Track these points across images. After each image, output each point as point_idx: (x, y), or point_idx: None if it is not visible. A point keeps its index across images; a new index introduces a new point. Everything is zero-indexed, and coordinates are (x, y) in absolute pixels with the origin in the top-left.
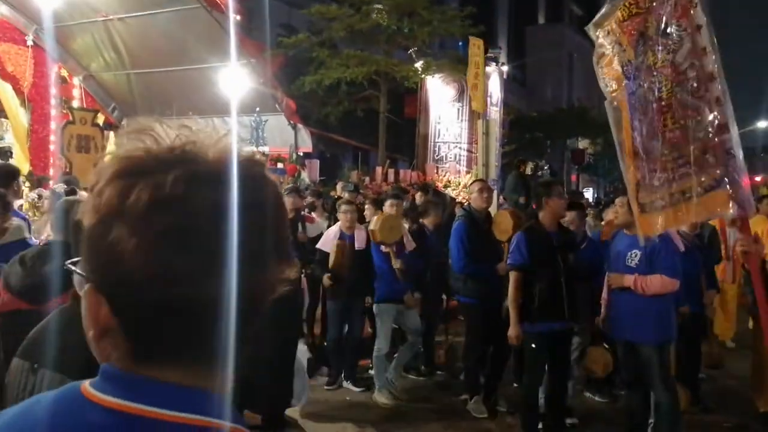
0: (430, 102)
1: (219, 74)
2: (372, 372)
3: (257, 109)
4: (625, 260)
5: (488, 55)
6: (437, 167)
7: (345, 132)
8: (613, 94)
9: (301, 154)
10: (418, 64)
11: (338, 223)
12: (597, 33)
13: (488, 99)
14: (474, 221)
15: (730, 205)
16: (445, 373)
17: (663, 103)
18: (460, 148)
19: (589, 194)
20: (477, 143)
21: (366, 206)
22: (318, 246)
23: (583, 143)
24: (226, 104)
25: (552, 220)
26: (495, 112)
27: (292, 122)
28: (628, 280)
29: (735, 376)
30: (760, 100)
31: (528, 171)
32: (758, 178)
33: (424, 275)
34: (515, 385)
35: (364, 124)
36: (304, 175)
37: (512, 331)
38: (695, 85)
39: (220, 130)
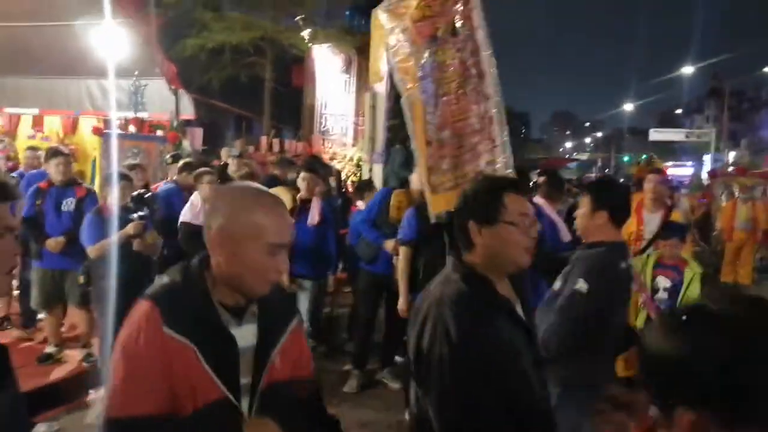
0: (317, 72)
1: (92, 32)
2: None
3: (136, 72)
4: None
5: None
6: (323, 139)
7: (228, 99)
8: (409, 91)
9: (183, 121)
10: (306, 33)
11: (196, 194)
12: (385, 18)
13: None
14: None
15: None
16: (324, 346)
17: (452, 96)
18: (346, 120)
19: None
20: (364, 116)
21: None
22: (183, 219)
23: None
24: (101, 66)
25: None
26: (381, 86)
27: (173, 87)
28: None
29: None
30: (628, 86)
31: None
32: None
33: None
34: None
35: (249, 92)
36: (186, 143)
37: (401, 304)
38: (477, 80)
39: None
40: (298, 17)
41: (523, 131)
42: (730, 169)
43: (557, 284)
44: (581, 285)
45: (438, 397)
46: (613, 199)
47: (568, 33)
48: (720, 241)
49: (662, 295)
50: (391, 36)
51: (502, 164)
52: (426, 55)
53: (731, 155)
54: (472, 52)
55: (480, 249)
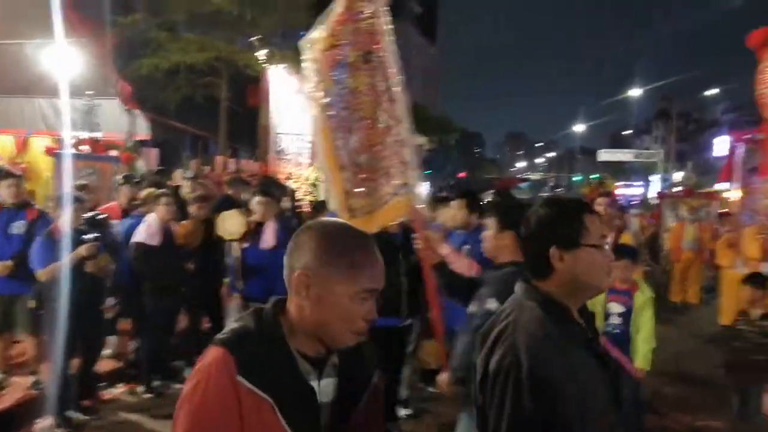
0: (273, 92)
1: (45, 52)
2: None
3: (89, 92)
4: None
5: None
6: (279, 159)
7: (184, 119)
8: (317, 120)
9: (137, 141)
10: (262, 53)
11: (153, 215)
12: (308, 54)
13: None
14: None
15: (411, 208)
16: None
17: (368, 121)
18: (302, 140)
19: (424, 188)
20: None
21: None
22: (139, 240)
23: (420, 140)
24: (55, 85)
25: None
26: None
27: (127, 107)
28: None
29: None
30: (579, 107)
31: None
32: (577, 178)
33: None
34: None
35: (205, 112)
36: (141, 163)
37: None
38: (389, 104)
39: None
40: (253, 38)
41: (478, 151)
42: (678, 189)
43: (473, 307)
44: (491, 305)
45: (507, 428)
46: (519, 219)
47: (522, 55)
48: (669, 261)
49: (615, 320)
50: (303, 65)
51: (413, 186)
52: (336, 82)
53: (678, 176)
54: (383, 78)
55: (560, 275)
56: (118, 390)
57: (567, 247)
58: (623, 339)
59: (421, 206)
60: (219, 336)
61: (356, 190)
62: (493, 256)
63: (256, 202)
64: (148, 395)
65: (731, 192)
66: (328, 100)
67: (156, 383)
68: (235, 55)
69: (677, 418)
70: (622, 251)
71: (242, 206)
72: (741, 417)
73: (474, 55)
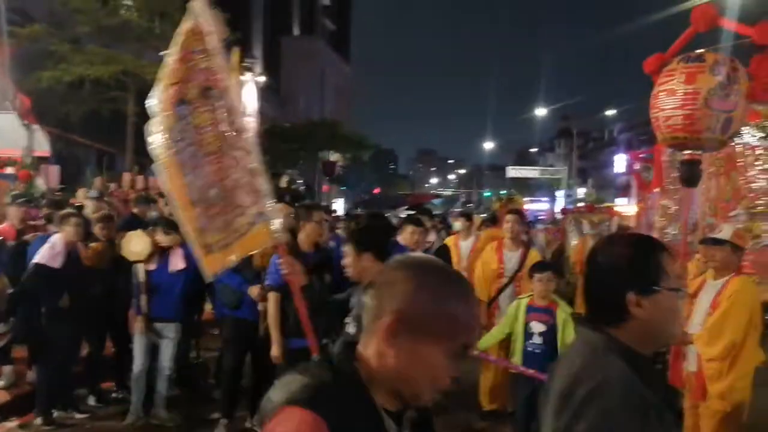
0: None
1: None
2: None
3: None
4: None
5: (244, 64)
6: None
7: (89, 134)
8: (163, 159)
9: (36, 157)
10: None
11: (58, 235)
12: (153, 93)
13: (243, 109)
14: None
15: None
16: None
17: (215, 156)
18: None
19: (339, 204)
20: None
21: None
22: (39, 261)
23: (334, 156)
24: None
25: (309, 242)
26: (250, 122)
27: (25, 121)
28: None
29: (468, 376)
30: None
31: (283, 184)
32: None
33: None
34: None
35: (112, 127)
36: (40, 181)
37: (275, 350)
38: (235, 136)
39: None
40: (163, 51)
41: (391, 167)
42: (580, 204)
43: (351, 328)
44: (351, 329)
45: None
46: (374, 239)
47: (434, 74)
48: (573, 274)
49: (536, 340)
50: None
51: (270, 214)
52: (179, 118)
53: (580, 191)
54: (227, 112)
55: (638, 323)
56: (12, 424)
57: (645, 291)
58: (545, 358)
59: (278, 233)
60: (295, 395)
61: (210, 225)
62: (357, 278)
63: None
64: (47, 427)
65: (629, 207)
66: (173, 137)
67: (56, 414)
68: (142, 69)
69: None
70: (543, 266)
71: (149, 225)
72: None
73: (387, 73)
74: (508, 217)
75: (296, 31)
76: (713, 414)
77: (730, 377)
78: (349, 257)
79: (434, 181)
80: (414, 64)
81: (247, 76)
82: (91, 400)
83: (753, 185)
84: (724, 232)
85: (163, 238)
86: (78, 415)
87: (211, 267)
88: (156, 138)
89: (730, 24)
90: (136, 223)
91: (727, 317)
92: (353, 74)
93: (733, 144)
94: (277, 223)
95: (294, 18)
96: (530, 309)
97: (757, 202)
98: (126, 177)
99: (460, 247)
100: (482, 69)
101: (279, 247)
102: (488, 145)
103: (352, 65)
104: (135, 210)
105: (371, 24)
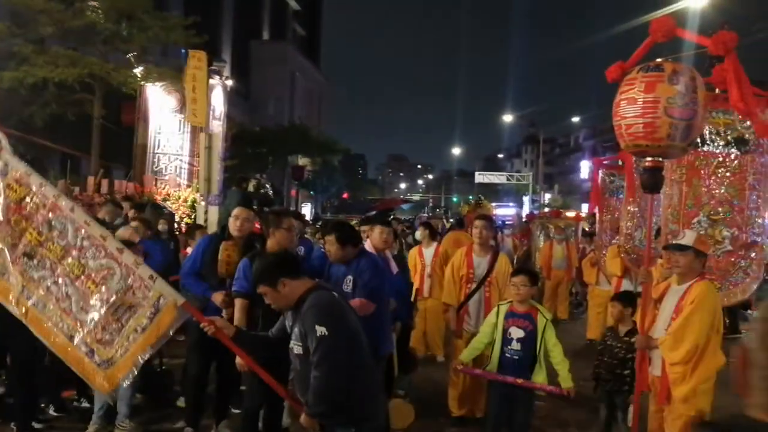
0: (150, 111)
1: None
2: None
3: None
4: (342, 286)
5: (212, 67)
6: (156, 179)
7: (53, 136)
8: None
9: None
10: (138, 70)
11: None
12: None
13: (211, 112)
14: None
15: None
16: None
17: (81, 278)
18: (181, 160)
19: (307, 209)
20: (199, 156)
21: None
22: None
23: (303, 160)
24: None
25: (277, 249)
26: (218, 126)
27: None
28: None
29: (437, 382)
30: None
31: (251, 188)
32: (455, 199)
33: None
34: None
35: (77, 129)
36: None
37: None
38: (96, 252)
39: None
40: (129, 54)
41: (361, 172)
42: (547, 210)
43: (297, 349)
44: (320, 330)
45: None
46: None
47: (405, 79)
48: (540, 279)
49: (515, 345)
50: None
51: (168, 292)
52: (31, 280)
53: (546, 197)
54: (71, 233)
55: None
56: None
57: None
58: (523, 364)
59: (181, 301)
60: None
61: (105, 339)
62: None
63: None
64: None
65: (594, 213)
66: (27, 294)
67: (13, 425)
68: (109, 72)
69: (547, 431)
70: (521, 272)
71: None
72: (607, 429)
73: (358, 78)
74: (477, 222)
75: (266, 36)
76: (677, 417)
77: (693, 381)
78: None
79: (403, 186)
80: (385, 70)
81: (216, 80)
82: (51, 410)
83: (714, 192)
84: (687, 238)
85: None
86: (37, 425)
87: (119, 375)
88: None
89: (687, 35)
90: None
91: (690, 322)
92: (323, 79)
93: (695, 151)
94: (177, 295)
95: (264, 22)
96: (510, 314)
97: (718, 209)
98: (90, 181)
99: (424, 255)
100: (452, 76)
101: (194, 313)
102: (457, 151)
103: (323, 70)
104: (101, 214)
105: (342, 30)
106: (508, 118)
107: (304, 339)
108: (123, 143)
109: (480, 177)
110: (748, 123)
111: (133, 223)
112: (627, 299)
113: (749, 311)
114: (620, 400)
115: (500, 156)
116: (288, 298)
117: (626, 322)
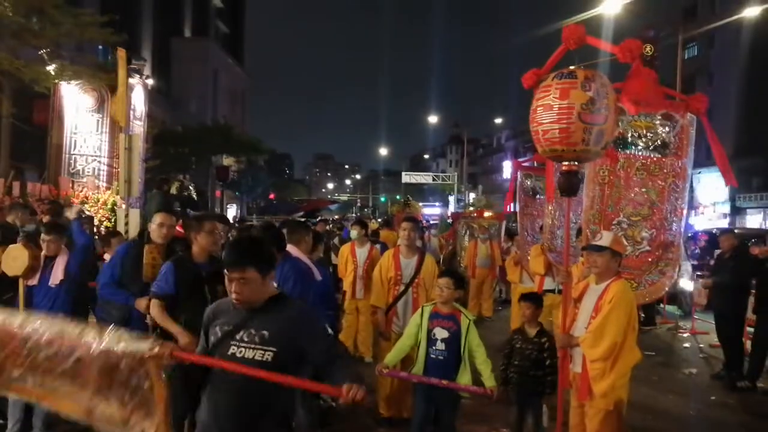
0: (65, 109)
1: None
2: None
3: None
4: None
5: (132, 66)
6: (73, 181)
7: None
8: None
9: None
10: (51, 67)
11: None
12: None
13: (131, 112)
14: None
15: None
16: None
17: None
18: (99, 161)
19: (232, 210)
20: (118, 157)
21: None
22: None
23: (227, 160)
24: None
25: (202, 253)
26: (138, 126)
27: None
28: None
29: (366, 383)
30: (382, 132)
31: (174, 190)
32: (383, 199)
33: None
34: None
35: None
36: None
37: (183, 339)
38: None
39: None
40: (42, 51)
41: (288, 172)
42: (471, 209)
43: (257, 353)
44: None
45: None
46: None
47: (330, 78)
48: (465, 277)
49: (440, 346)
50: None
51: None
52: None
53: (471, 196)
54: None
55: None
56: None
57: None
58: (449, 365)
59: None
60: None
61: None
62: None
63: (43, 239)
64: None
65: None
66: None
67: None
68: (19, 68)
69: (472, 428)
70: (448, 274)
71: (30, 235)
72: (519, 430)
73: (283, 77)
74: (404, 225)
75: (188, 33)
76: (597, 412)
77: (612, 376)
78: None
79: (331, 186)
80: (310, 69)
81: (136, 79)
82: None
83: (634, 194)
84: (604, 239)
85: (44, 245)
86: None
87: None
88: None
89: (596, 42)
90: (9, 232)
91: (609, 320)
92: (247, 77)
93: (618, 154)
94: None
95: (185, 19)
96: (434, 316)
97: (638, 210)
98: (0, 183)
99: (357, 254)
100: (377, 77)
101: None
102: (383, 151)
103: (246, 68)
104: (9, 218)
105: (266, 27)
106: (433, 118)
107: (275, 343)
108: (37, 143)
109: (407, 177)
110: (668, 127)
111: (45, 237)
112: (537, 300)
113: (661, 305)
114: (536, 401)
115: (426, 156)
116: (263, 293)
117: (534, 323)
